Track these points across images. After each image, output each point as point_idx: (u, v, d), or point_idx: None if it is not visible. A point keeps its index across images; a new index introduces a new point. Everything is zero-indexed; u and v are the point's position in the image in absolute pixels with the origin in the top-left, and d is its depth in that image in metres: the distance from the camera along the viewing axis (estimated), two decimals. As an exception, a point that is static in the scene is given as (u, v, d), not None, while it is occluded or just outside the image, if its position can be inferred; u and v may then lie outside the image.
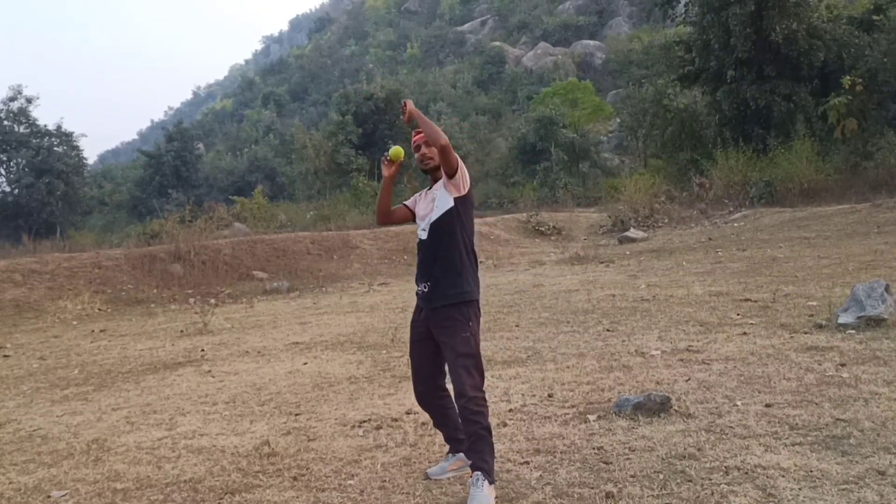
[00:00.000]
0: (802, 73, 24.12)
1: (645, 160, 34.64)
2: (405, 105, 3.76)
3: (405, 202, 4.01)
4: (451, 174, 3.68)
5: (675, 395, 4.77)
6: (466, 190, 3.73)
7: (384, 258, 17.35)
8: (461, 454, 3.82)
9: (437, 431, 4.12)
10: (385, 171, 3.94)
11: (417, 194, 4.03)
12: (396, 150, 3.89)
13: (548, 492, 3.51)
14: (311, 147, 37.98)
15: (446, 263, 3.70)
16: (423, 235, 3.80)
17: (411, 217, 3.96)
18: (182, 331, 10.21)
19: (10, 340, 10.42)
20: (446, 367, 3.77)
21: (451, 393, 3.76)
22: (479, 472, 3.50)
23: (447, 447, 4.01)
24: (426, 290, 3.75)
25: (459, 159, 3.70)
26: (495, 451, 3.68)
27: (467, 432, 3.60)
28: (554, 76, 58.24)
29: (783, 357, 5.56)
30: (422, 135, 3.78)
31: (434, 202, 3.77)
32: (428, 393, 3.89)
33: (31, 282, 13.75)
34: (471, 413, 3.55)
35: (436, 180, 3.84)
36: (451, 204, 3.71)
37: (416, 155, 3.85)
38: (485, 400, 3.63)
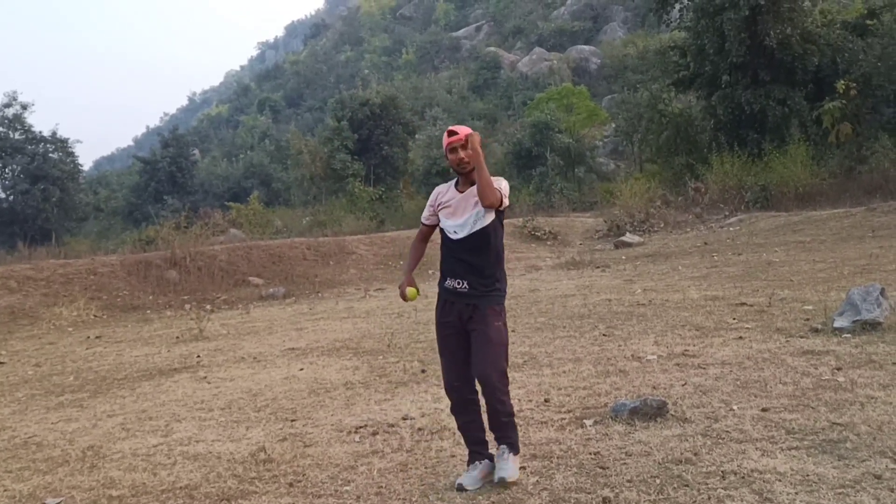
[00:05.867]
0: (797, 77, 24.19)
1: (640, 165, 34.68)
2: (471, 138, 3.69)
3: (424, 221, 3.98)
4: (496, 208, 3.73)
5: (672, 399, 4.77)
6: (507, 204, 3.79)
7: (380, 264, 17.33)
8: (487, 461, 3.80)
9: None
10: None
11: (439, 191, 3.94)
12: (413, 293, 3.93)
13: (545, 497, 3.51)
14: (307, 153, 37.99)
15: (484, 269, 3.77)
16: (458, 236, 3.78)
17: (436, 227, 3.94)
18: (178, 337, 10.18)
19: (6, 347, 10.38)
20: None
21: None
22: (505, 446, 3.74)
23: (467, 456, 3.89)
24: (463, 287, 3.77)
25: (501, 190, 3.69)
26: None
27: (492, 410, 3.72)
28: (549, 81, 58.32)
29: (779, 361, 5.57)
30: (457, 137, 3.71)
31: (475, 209, 3.73)
32: (463, 388, 3.84)
33: (27, 288, 13.72)
34: (497, 400, 3.70)
35: (471, 182, 3.76)
36: (493, 217, 3.77)
37: (451, 157, 3.76)
38: (508, 387, 3.81)
